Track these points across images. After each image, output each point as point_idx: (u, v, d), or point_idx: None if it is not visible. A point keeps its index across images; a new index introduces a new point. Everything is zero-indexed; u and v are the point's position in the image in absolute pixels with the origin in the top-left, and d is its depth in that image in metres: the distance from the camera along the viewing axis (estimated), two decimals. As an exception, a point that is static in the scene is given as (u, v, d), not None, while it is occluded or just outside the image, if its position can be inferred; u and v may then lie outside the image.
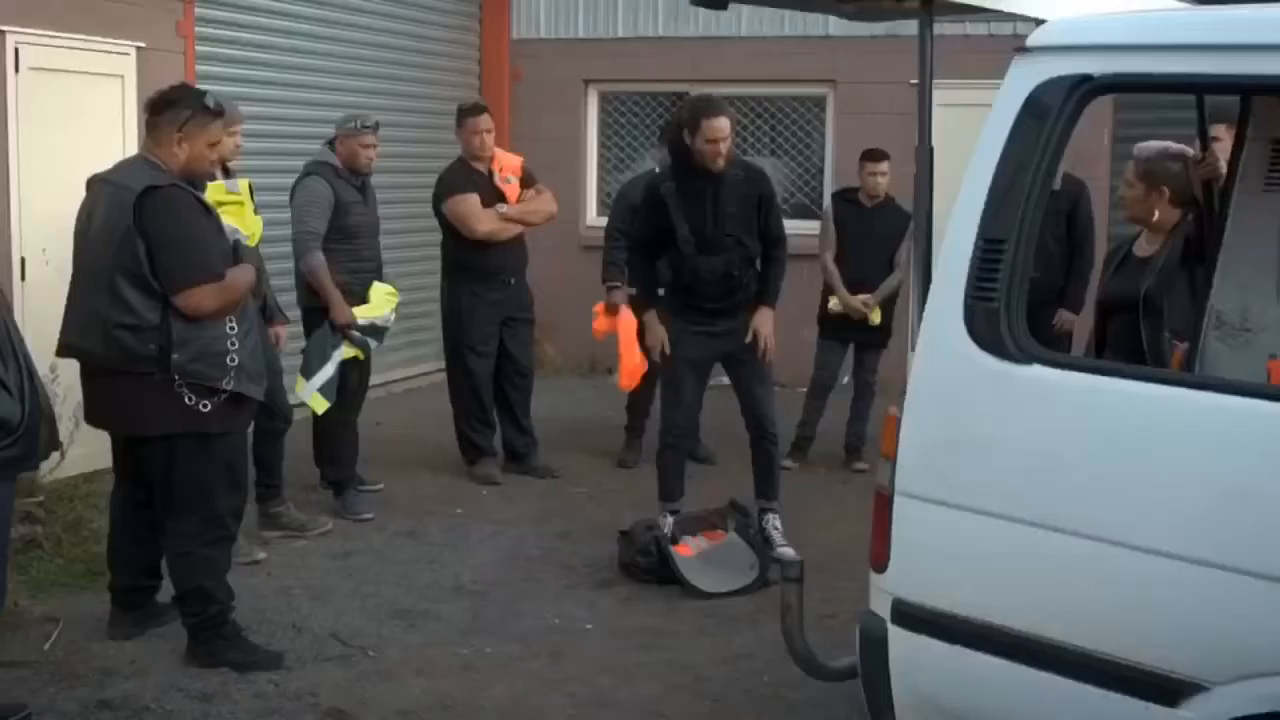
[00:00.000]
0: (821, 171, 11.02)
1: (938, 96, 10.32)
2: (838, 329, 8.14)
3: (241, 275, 4.91)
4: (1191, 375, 4.16)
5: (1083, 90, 3.12)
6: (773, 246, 6.54)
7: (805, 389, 8.36)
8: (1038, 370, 3.12)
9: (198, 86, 5.46)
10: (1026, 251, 3.15)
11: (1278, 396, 3.02)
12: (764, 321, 6.38)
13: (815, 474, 8.00)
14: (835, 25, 9.94)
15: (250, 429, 5.41)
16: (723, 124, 6.18)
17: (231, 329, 4.81)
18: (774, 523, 6.47)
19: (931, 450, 3.25)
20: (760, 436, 6.47)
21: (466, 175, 7.56)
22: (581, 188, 11.38)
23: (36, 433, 4.16)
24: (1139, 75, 3.16)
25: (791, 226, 10.75)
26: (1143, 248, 5.15)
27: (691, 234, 6.24)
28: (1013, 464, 3.14)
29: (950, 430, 3.23)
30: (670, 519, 6.39)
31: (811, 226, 8.99)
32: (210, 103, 4.92)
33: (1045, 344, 6.67)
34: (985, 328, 3.15)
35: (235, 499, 5.06)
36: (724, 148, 6.19)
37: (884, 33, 9.89)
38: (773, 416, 6.45)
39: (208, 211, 4.90)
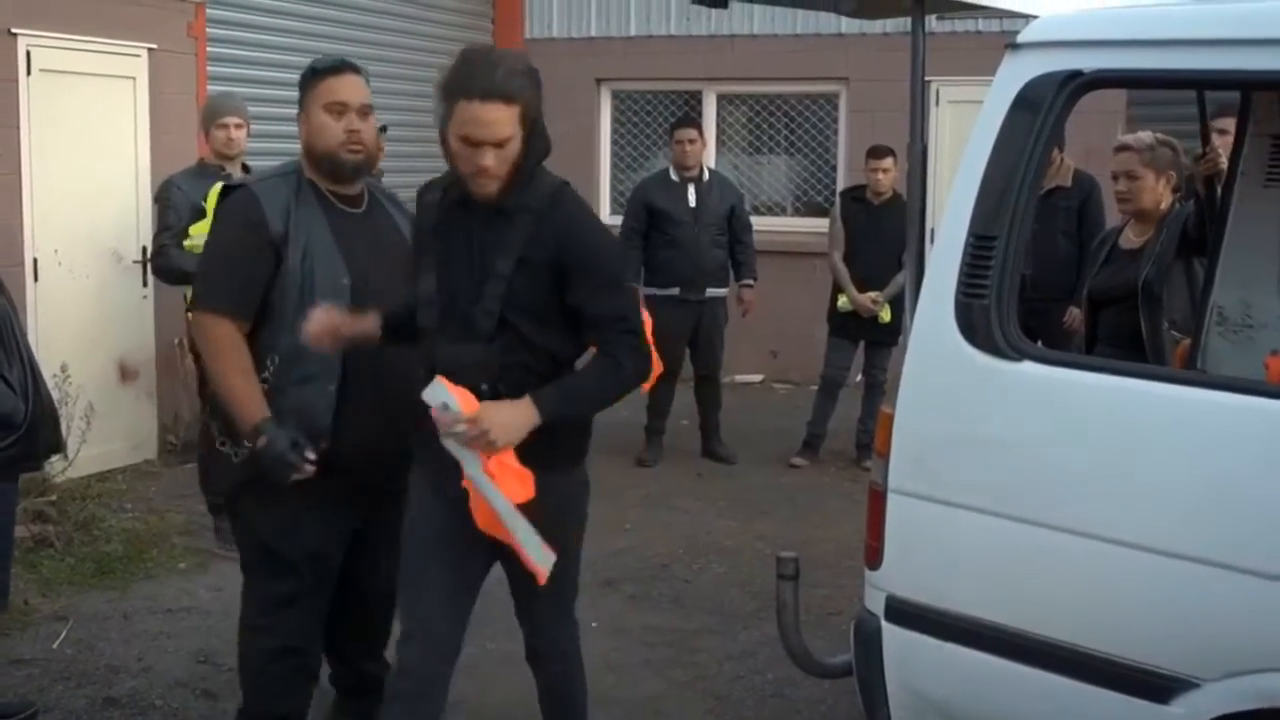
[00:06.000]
0: (834, 169, 11.02)
1: (947, 93, 10.31)
2: (847, 327, 8.15)
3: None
4: (1182, 371, 4.15)
5: (1073, 86, 3.11)
6: None
7: (816, 387, 8.37)
8: (1028, 367, 3.11)
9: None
10: (1017, 248, 3.14)
11: (1270, 393, 3.01)
12: None
13: (825, 471, 8.01)
14: (847, 23, 9.94)
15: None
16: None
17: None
18: None
19: (923, 447, 3.24)
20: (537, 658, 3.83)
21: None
22: (594, 187, 11.38)
23: (39, 432, 4.19)
24: (1129, 71, 3.16)
25: (803, 225, 10.92)
26: (1130, 239, 5.14)
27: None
28: (1004, 461, 3.13)
29: (942, 427, 3.22)
30: None
31: (823, 225, 8.98)
32: (318, 64, 3.98)
33: (1056, 340, 6.82)
34: (976, 324, 3.14)
35: None
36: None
37: (896, 30, 9.88)
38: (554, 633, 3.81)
39: (260, 231, 3.75)
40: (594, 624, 5.53)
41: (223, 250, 3.83)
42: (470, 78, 3.32)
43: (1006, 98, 3.17)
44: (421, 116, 10.17)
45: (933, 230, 3.62)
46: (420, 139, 9.96)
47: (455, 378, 3.31)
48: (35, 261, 7.18)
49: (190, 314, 4.11)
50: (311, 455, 3.69)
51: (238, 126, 6.58)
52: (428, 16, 10.57)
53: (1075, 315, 7.34)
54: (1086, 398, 3.06)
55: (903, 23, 7.03)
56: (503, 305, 3.37)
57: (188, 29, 8.13)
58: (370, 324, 3.63)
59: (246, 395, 3.70)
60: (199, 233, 5.93)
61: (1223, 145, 4.73)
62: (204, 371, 4.21)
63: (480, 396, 3.31)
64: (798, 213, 11.23)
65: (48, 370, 5.82)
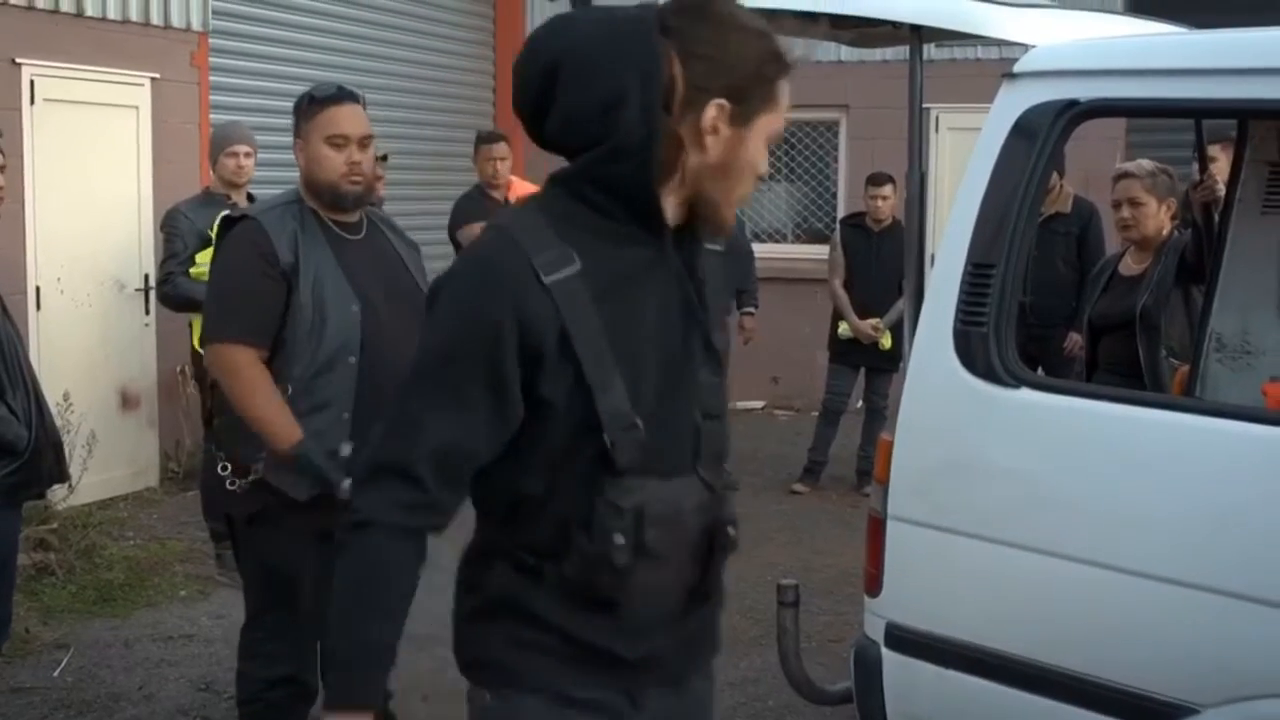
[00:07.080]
0: (834, 196, 11.05)
1: (947, 120, 10.32)
2: (848, 354, 8.16)
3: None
4: (1180, 398, 4.16)
5: (1069, 115, 3.13)
6: None
7: (817, 414, 8.38)
8: (1026, 394, 3.12)
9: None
10: (1015, 276, 3.16)
11: (1268, 420, 3.03)
12: None
13: (826, 498, 8.02)
14: (847, 50, 9.96)
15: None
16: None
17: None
18: None
19: (922, 474, 3.26)
20: None
21: (481, 203, 7.61)
22: (596, 214, 11.42)
23: (42, 459, 4.20)
24: (1125, 100, 3.18)
25: (803, 252, 10.94)
26: (1129, 266, 5.16)
27: None
28: (1003, 488, 3.14)
29: (940, 454, 3.24)
30: None
31: (823, 252, 9.01)
32: (317, 92, 3.84)
33: (1055, 367, 6.83)
34: (974, 352, 3.16)
35: None
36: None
37: (895, 57, 9.93)
38: None
39: (270, 261, 3.67)
40: (595, 651, 5.53)
41: (235, 280, 3.73)
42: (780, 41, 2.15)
43: (1004, 127, 3.20)
44: (425, 144, 10.25)
45: (932, 257, 3.64)
46: (421, 166, 10.02)
47: (675, 533, 2.14)
48: (38, 290, 7.20)
49: (204, 348, 4.00)
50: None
51: (247, 155, 6.61)
52: (429, 44, 10.63)
53: (1075, 341, 7.36)
54: (1085, 424, 3.08)
55: (902, 50, 7.09)
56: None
57: (191, 59, 8.17)
58: None
59: (279, 416, 3.62)
60: (205, 261, 5.94)
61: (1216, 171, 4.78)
62: (206, 399, 4.11)
63: (722, 552, 2.28)
64: (798, 240, 11.26)
65: (50, 398, 5.85)
